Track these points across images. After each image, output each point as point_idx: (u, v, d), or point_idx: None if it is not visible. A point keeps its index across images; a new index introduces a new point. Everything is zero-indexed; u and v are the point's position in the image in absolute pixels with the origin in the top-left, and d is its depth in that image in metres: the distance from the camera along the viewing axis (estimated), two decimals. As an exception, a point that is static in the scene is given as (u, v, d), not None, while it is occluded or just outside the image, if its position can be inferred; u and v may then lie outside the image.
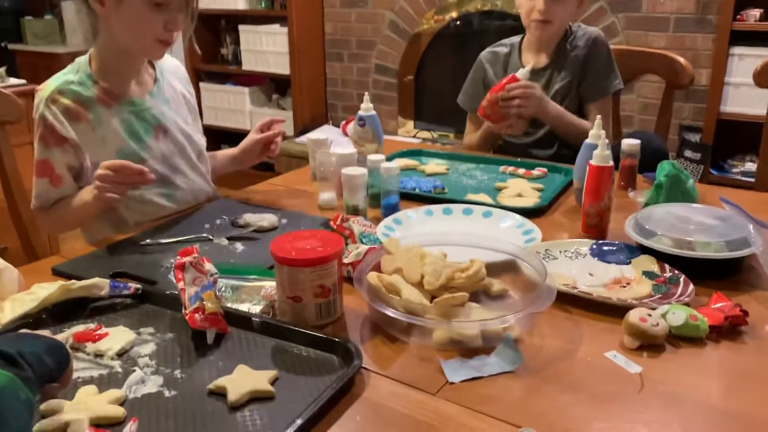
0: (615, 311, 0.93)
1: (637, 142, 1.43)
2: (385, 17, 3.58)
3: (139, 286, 0.99)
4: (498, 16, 3.33)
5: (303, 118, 3.87)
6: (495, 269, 1.03)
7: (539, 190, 1.47)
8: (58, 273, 1.09)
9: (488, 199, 1.40)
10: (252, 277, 1.02)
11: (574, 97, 1.78)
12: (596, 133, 1.32)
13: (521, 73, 1.65)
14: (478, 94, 1.90)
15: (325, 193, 1.40)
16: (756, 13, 2.61)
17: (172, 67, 1.50)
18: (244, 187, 1.55)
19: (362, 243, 1.15)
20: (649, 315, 0.86)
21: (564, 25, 1.78)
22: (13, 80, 2.71)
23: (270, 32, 3.76)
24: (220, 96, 4.07)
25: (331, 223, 1.23)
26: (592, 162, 1.20)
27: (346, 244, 1.18)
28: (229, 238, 1.20)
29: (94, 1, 1.27)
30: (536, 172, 1.57)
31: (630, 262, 1.08)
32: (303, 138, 3.66)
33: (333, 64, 3.87)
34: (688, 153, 2.66)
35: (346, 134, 3.66)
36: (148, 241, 1.19)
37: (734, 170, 2.79)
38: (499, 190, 1.48)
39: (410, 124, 3.78)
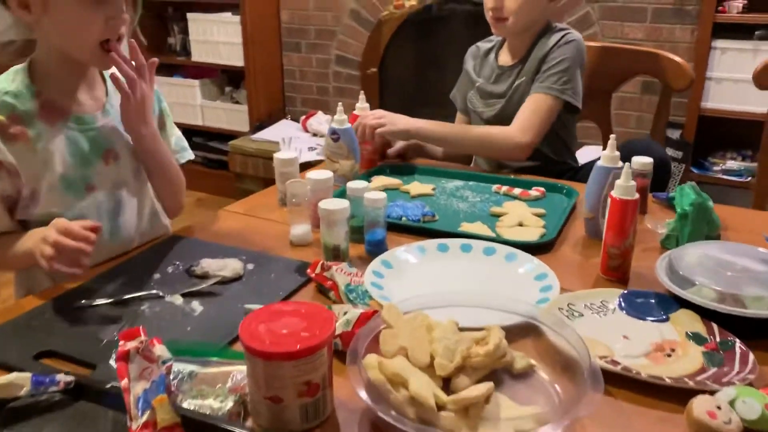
0: (669, 393, 0.77)
1: (649, 160, 1.27)
2: (346, 5, 3.35)
3: (70, 378, 0.77)
4: (464, 2, 3.14)
5: (259, 112, 3.61)
6: (512, 333, 0.85)
7: (541, 215, 1.29)
8: (-34, 354, 0.86)
9: (486, 230, 1.22)
10: (212, 359, 0.81)
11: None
12: (611, 154, 1.16)
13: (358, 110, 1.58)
14: (464, 90, 1.78)
15: (297, 226, 1.19)
16: (738, 4, 2.49)
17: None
18: (200, 218, 1.33)
19: (349, 299, 0.96)
20: (718, 408, 0.70)
21: (527, 21, 1.58)
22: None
23: (221, 21, 3.48)
24: (169, 89, 3.77)
25: (309, 272, 1.02)
26: (615, 194, 1.02)
27: (328, 296, 0.99)
28: (184, 295, 0.99)
29: (18, 10, 1.04)
30: (534, 192, 1.39)
31: (668, 318, 0.92)
32: (260, 135, 3.41)
33: (290, 54, 3.62)
34: (669, 151, 2.54)
35: (306, 130, 3.43)
36: (83, 302, 0.97)
37: (715, 168, 2.69)
38: (496, 216, 1.30)
39: (374, 118, 3.57)
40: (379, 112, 1.56)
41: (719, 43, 2.53)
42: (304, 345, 0.69)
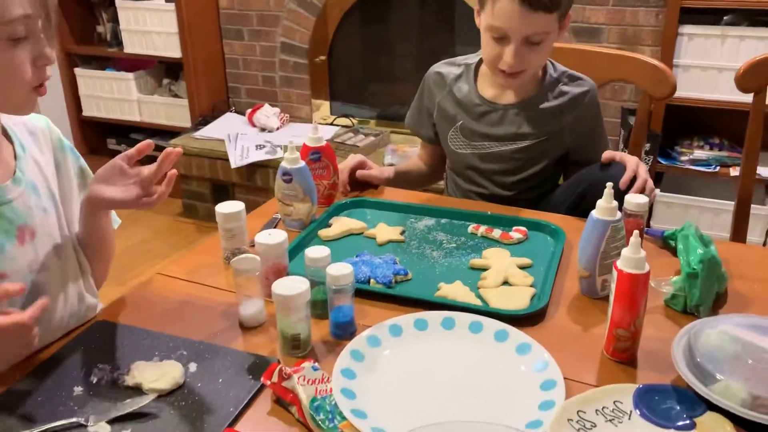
0: None
1: (645, 200, 1.12)
2: (288, -12, 3.09)
3: None
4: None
5: (201, 106, 3.35)
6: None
7: (527, 267, 1.14)
8: None
9: (467, 292, 1.06)
10: None
11: (540, 158, 1.45)
12: (607, 205, 1.01)
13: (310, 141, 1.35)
14: (425, 122, 1.56)
15: (247, 303, 1.00)
16: (706, -13, 2.36)
17: (37, 130, 1.05)
18: (129, 281, 1.13)
19: (315, 422, 0.79)
20: None
21: (540, 67, 1.42)
22: None
23: (154, 8, 3.18)
24: (101, 83, 3.46)
25: (264, 380, 0.85)
26: (622, 267, 0.87)
27: (290, 411, 0.82)
28: (112, 421, 0.80)
29: None
30: (515, 234, 1.23)
31: (695, 425, 0.78)
32: (203, 132, 3.16)
33: (231, 42, 3.35)
34: (646, 146, 2.42)
35: (253, 124, 3.20)
36: (-21, 446, 0.77)
37: (683, 158, 2.59)
38: (476, 269, 1.14)
39: (325, 109, 3.35)
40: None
41: (686, 29, 2.42)
42: None
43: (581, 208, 1.29)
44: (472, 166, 1.49)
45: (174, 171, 0.99)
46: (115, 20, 3.35)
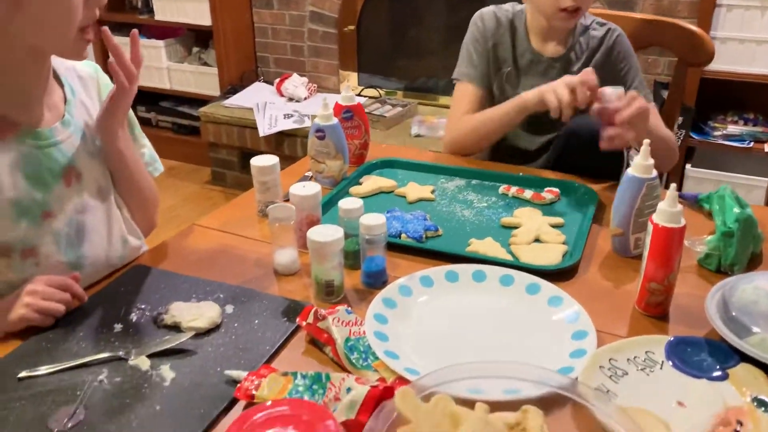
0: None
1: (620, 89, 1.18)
2: (320, -44, 3.08)
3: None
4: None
5: (230, 74, 3.36)
6: (550, 405, 0.71)
7: (559, 226, 1.14)
8: None
9: (498, 248, 1.07)
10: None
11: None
12: (644, 162, 1.00)
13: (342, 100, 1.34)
14: (482, 63, 1.47)
15: (282, 252, 1.02)
16: (747, -44, 2.30)
17: (85, 75, 1.07)
18: (169, 200, 1.15)
19: (350, 360, 0.80)
20: None
21: (590, 5, 1.43)
22: None
23: (185, -24, 3.19)
24: None
25: (300, 321, 0.87)
26: (658, 221, 0.87)
27: (324, 352, 0.84)
28: (152, 356, 0.83)
29: None
30: (547, 194, 1.23)
31: (727, 376, 0.78)
32: (232, 100, 3.18)
33: (261, 11, 3.34)
34: (679, 120, 2.38)
35: (281, 94, 3.20)
36: (24, 373, 0.80)
37: (716, 133, 2.55)
38: (508, 228, 1.14)
39: (353, 79, 3.35)
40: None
41: (725, 0, 2.36)
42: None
43: (562, 159, 1.36)
44: None
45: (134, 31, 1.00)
46: (146, -13, 3.37)
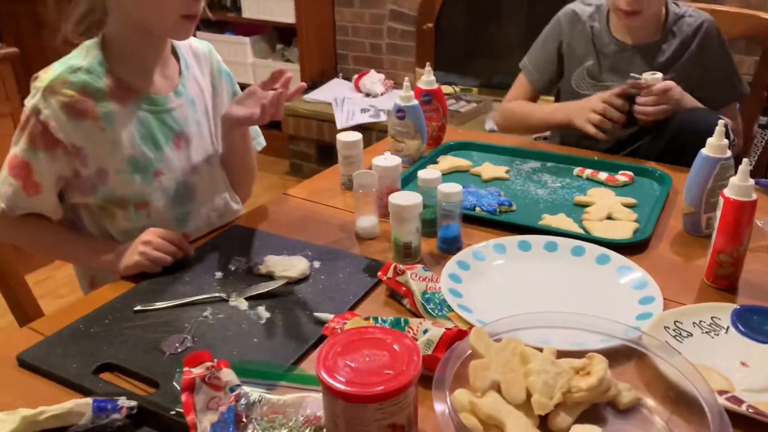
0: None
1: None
2: (402, -43, 3.17)
3: (133, 402, 0.71)
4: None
5: (311, 71, 3.50)
6: (614, 357, 0.75)
7: (631, 206, 1.17)
8: (25, 365, 0.81)
9: (571, 223, 1.11)
10: (283, 382, 0.74)
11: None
12: (718, 143, 1.02)
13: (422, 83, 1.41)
14: (549, 61, 1.57)
15: (364, 217, 1.10)
16: None
17: (200, 53, 1.20)
18: (260, 197, 1.26)
19: (426, 309, 0.87)
20: None
21: (660, 7, 1.44)
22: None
23: (272, -25, 3.35)
24: (219, 47, 3.55)
25: (380, 275, 0.94)
26: (728, 194, 0.90)
27: (402, 304, 0.91)
28: (249, 299, 0.92)
29: None
30: (621, 177, 1.26)
31: (793, 343, 0.80)
32: (312, 95, 3.31)
33: (342, 9, 3.47)
34: (763, 120, 2.33)
35: (359, 90, 3.31)
36: (139, 307, 0.91)
37: (802, 134, 2.46)
38: (581, 206, 1.18)
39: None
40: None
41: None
42: (389, 386, 0.61)
43: (669, 153, 1.34)
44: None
45: (303, 84, 1.10)
46: (235, -14, 3.55)
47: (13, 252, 1.16)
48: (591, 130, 1.37)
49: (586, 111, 1.37)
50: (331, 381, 0.61)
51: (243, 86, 4.13)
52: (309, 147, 3.36)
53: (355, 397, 0.61)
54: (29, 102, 1.02)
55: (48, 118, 1.00)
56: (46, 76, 1.02)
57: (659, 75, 1.33)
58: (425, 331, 0.79)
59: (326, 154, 3.26)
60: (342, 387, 0.61)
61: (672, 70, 1.44)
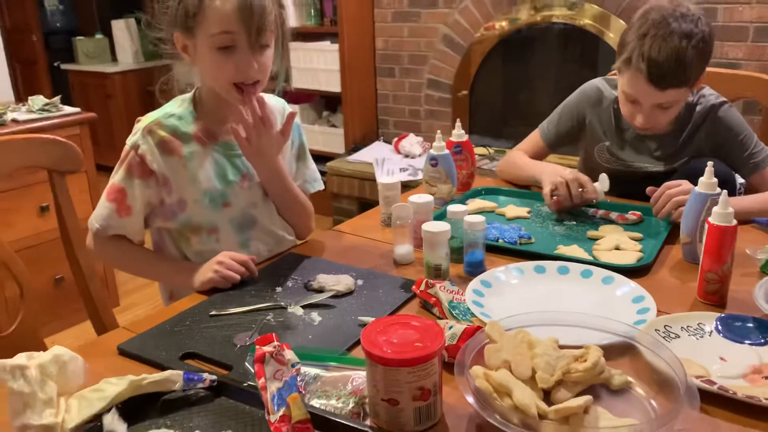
0: (763, 413, 0.80)
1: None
2: (439, 31, 3.46)
3: (214, 376, 0.89)
4: (554, 27, 3.17)
5: (354, 135, 3.77)
6: (609, 351, 0.90)
7: (638, 239, 1.33)
8: (124, 353, 1.00)
9: (583, 253, 1.27)
10: (332, 364, 0.91)
11: (679, 176, 1.47)
12: (708, 181, 1.18)
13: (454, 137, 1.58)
14: (569, 129, 1.66)
15: (401, 246, 1.28)
16: None
17: (274, 108, 1.40)
18: (313, 237, 1.45)
19: (452, 314, 1.04)
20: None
21: (671, 122, 1.51)
22: (68, 108, 2.68)
23: (320, 49, 3.68)
24: None
25: (414, 288, 1.11)
26: (712, 221, 1.05)
27: (432, 312, 1.07)
28: (304, 307, 1.10)
29: (181, 52, 1.25)
30: (631, 216, 1.42)
31: (767, 343, 0.94)
32: (354, 156, 3.56)
33: (384, 79, 3.76)
34: None
35: (398, 151, 3.55)
36: (214, 312, 1.10)
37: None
38: (592, 239, 1.34)
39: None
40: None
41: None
42: (418, 354, 0.77)
43: None
44: (612, 176, 1.51)
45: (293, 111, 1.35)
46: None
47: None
48: (546, 190, 1.47)
49: (553, 176, 1.47)
50: (373, 350, 0.78)
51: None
52: (351, 204, 3.59)
53: (392, 362, 0.77)
54: (130, 139, 1.26)
55: (145, 152, 1.23)
56: (147, 118, 1.27)
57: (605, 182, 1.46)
58: (450, 327, 0.95)
59: (368, 210, 3.46)
60: (381, 354, 0.78)
61: (686, 152, 1.54)
